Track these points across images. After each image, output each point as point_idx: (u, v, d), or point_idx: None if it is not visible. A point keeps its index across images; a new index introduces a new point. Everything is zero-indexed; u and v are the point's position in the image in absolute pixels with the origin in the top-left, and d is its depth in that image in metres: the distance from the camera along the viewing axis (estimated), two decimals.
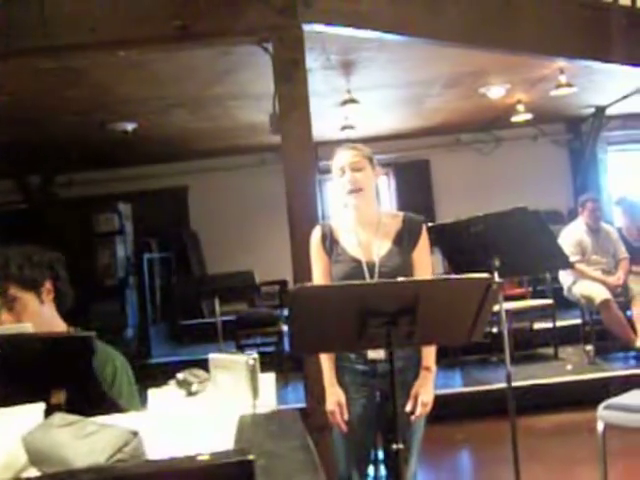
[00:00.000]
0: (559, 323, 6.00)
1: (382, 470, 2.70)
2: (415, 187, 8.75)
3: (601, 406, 2.90)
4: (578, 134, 8.65)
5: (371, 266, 2.34)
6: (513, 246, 2.86)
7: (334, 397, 2.35)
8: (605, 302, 5.34)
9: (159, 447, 1.17)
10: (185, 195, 8.73)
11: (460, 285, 1.94)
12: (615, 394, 3.00)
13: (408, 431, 2.33)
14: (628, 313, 5.52)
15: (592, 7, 4.89)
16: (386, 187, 9.05)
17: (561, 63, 5.53)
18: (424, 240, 2.42)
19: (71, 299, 2.01)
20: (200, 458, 0.78)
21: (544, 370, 5.48)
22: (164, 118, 6.35)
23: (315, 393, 3.18)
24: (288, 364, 5.77)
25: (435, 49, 4.80)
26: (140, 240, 7.67)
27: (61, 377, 1.47)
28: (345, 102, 6.07)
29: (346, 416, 2.33)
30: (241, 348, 5.98)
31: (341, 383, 2.39)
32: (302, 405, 3.80)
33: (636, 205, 6.25)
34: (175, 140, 7.39)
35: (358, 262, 2.36)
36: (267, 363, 5.47)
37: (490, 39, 4.55)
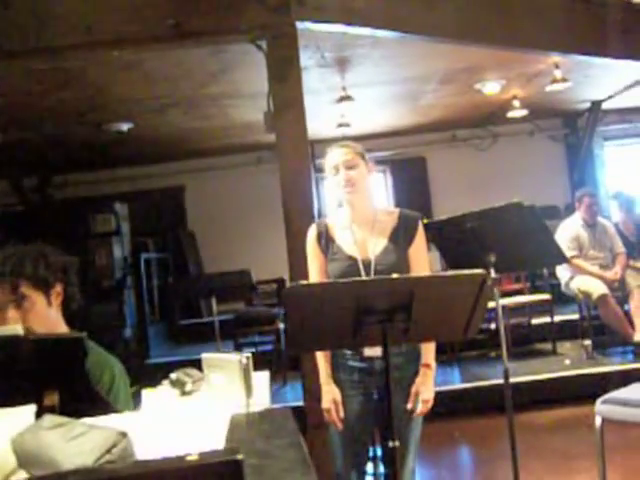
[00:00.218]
0: (557, 318, 6.01)
1: (381, 467, 2.70)
2: (412, 184, 8.75)
3: (599, 401, 2.90)
4: (574, 129, 8.66)
5: (367, 264, 2.34)
6: (509, 241, 2.85)
7: (330, 395, 2.35)
8: (603, 297, 5.34)
9: (152, 447, 1.17)
10: (182, 195, 8.72)
11: (455, 281, 1.93)
12: (614, 388, 2.99)
13: (406, 428, 2.33)
14: (626, 307, 5.52)
15: (587, 1, 4.88)
16: (383, 184, 9.06)
17: (556, 58, 5.53)
18: (420, 236, 2.41)
19: (77, 305, 2.00)
20: (189, 458, 0.78)
21: (542, 365, 5.48)
22: (159, 118, 6.35)
23: (312, 391, 3.17)
24: (287, 362, 5.77)
25: (430, 45, 4.79)
26: (137, 240, 7.66)
27: (54, 379, 1.46)
28: (340, 99, 6.07)
29: (342, 414, 2.33)
30: (239, 347, 5.98)
31: (337, 381, 2.39)
32: (300, 403, 3.80)
33: (632, 199, 6.26)
34: (171, 140, 7.38)
35: (354, 260, 2.35)
36: (266, 362, 5.51)
37: (485, 35, 4.54)
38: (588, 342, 5.61)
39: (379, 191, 8.93)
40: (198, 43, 4.08)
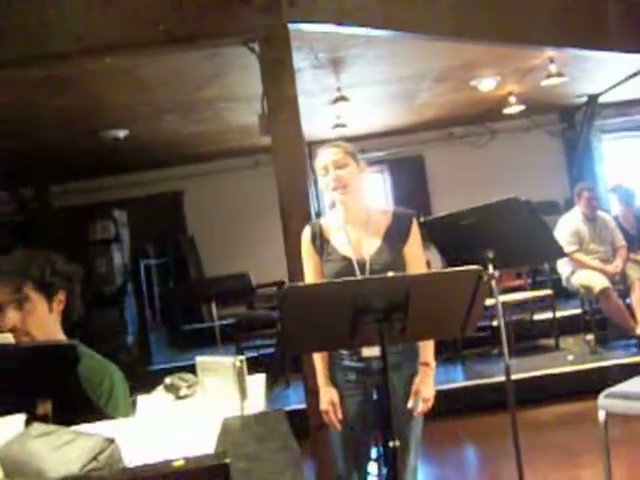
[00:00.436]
0: (559, 313, 5.99)
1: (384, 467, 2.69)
2: (410, 183, 8.73)
3: (602, 395, 2.88)
4: (572, 123, 8.63)
5: (362, 264, 2.33)
6: (506, 237, 2.83)
7: (327, 396, 2.35)
8: (604, 291, 5.32)
9: (145, 453, 1.15)
10: (181, 200, 8.71)
11: (450, 278, 1.92)
12: (618, 382, 2.97)
13: (406, 427, 2.31)
14: (627, 301, 5.50)
15: None
16: (381, 184, 9.04)
17: (551, 52, 5.51)
18: (415, 235, 2.40)
19: (77, 316, 2.00)
20: (175, 464, 0.77)
21: (545, 361, 5.46)
22: (155, 123, 6.34)
23: (314, 392, 3.16)
24: (289, 365, 5.76)
25: (424, 43, 4.77)
26: (137, 246, 7.65)
27: (46, 387, 1.45)
28: (336, 100, 6.06)
29: (340, 415, 2.32)
30: (241, 351, 5.97)
31: (335, 381, 2.38)
32: (303, 405, 3.78)
33: (631, 192, 6.24)
34: (168, 145, 7.37)
35: (349, 260, 2.34)
36: (268, 364, 5.50)
37: (480, 31, 4.53)
38: (591, 336, 5.60)
39: (378, 191, 8.93)
40: (190, 47, 4.06)
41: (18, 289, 1.85)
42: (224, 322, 5.88)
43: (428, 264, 5.97)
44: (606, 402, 2.86)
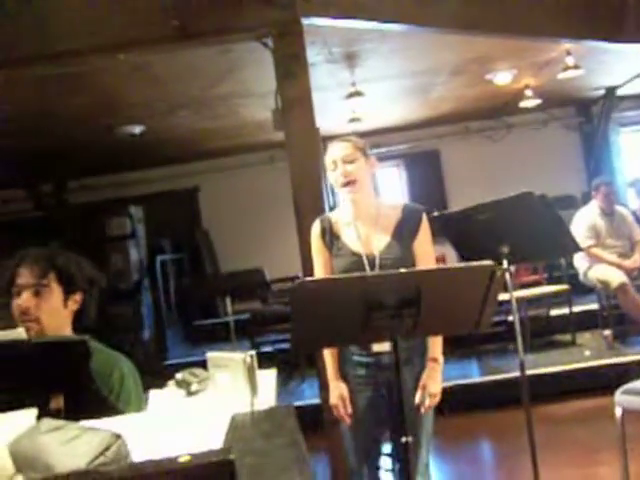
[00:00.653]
0: (576, 309, 5.94)
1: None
2: (426, 178, 8.70)
3: (619, 391, 2.85)
4: (589, 117, 8.53)
5: (371, 259, 2.32)
6: (521, 232, 2.81)
7: (337, 391, 2.35)
8: (622, 286, 5.26)
9: (154, 448, 1.16)
10: (196, 195, 8.75)
11: (463, 274, 1.90)
12: (635, 379, 2.94)
13: (416, 422, 2.31)
14: None
15: None
16: (397, 179, 9.01)
17: (568, 45, 5.45)
18: (424, 230, 2.38)
19: (89, 322, 2.03)
20: (181, 459, 0.77)
21: (562, 357, 5.42)
22: (170, 119, 6.36)
23: (328, 387, 3.16)
24: (304, 360, 5.76)
25: (438, 37, 4.74)
26: (153, 242, 7.69)
27: (59, 382, 1.46)
28: (351, 95, 6.03)
29: (350, 410, 2.32)
30: (256, 346, 5.98)
31: (346, 376, 2.38)
32: (318, 400, 3.78)
33: None
34: (183, 141, 7.40)
35: (358, 256, 2.33)
36: (283, 360, 5.50)
37: (494, 24, 4.49)
38: (608, 332, 5.54)
39: (393, 186, 8.89)
40: (204, 43, 4.07)
41: (43, 275, 1.89)
42: (239, 317, 5.88)
43: (444, 259, 5.99)
44: (623, 398, 2.83)
